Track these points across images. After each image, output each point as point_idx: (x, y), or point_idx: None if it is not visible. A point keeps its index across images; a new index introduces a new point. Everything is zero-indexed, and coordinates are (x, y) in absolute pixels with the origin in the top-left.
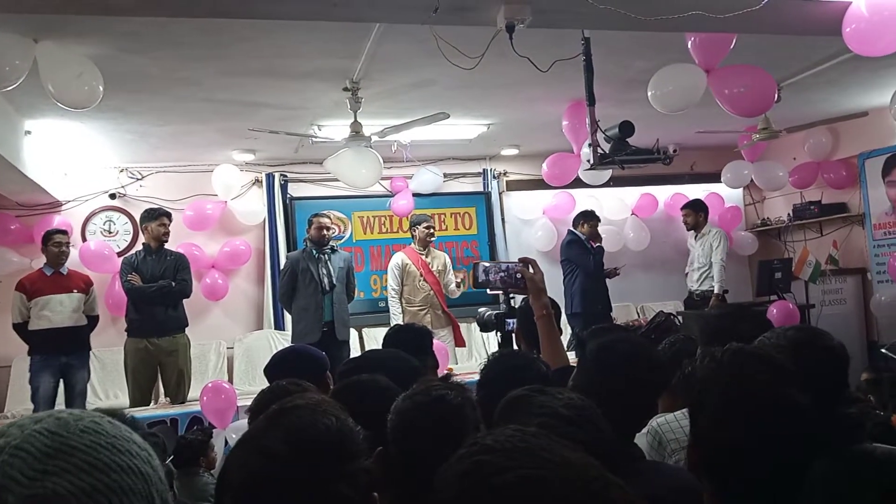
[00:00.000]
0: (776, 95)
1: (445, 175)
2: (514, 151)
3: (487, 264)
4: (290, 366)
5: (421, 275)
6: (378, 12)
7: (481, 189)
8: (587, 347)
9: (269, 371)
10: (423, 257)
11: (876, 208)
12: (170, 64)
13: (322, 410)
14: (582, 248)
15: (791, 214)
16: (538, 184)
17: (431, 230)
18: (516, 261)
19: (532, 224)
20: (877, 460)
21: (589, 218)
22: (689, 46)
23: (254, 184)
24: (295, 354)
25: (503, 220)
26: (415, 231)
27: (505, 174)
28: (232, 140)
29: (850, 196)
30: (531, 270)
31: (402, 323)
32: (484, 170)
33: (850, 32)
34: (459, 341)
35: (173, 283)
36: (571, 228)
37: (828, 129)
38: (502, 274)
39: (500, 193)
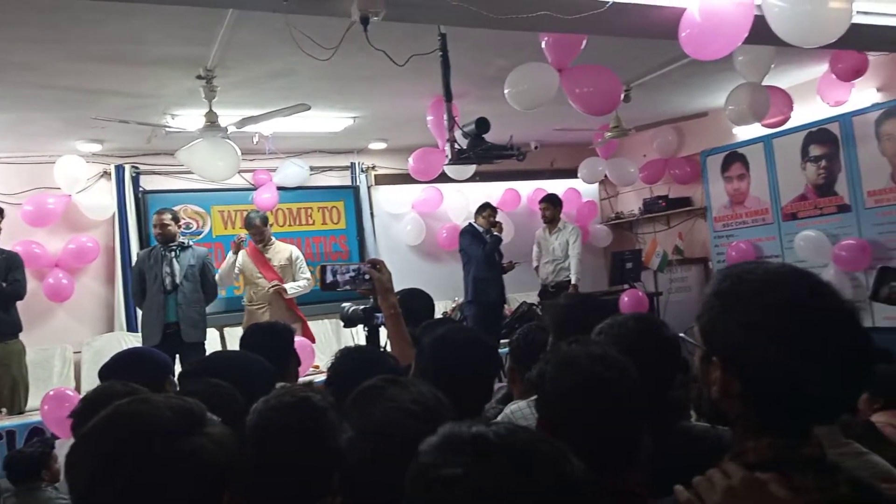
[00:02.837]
0: (624, 96)
1: (312, 168)
2: (382, 145)
3: (334, 265)
4: (126, 369)
5: (258, 271)
6: None
7: (349, 183)
8: (421, 342)
9: (103, 375)
10: (263, 253)
11: (716, 202)
12: (3, 46)
13: (164, 398)
14: (474, 237)
15: (641, 208)
16: (407, 178)
17: (254, 232)
18: (363, 261)
19: (401, 218)
20: (692, 436)
21: (483, 209)
22: (543, 46)
23: (102, 176)
24: (132, 356)
25: (372, 214)
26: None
27: (373, 168)
28: (76, 129)
29: (693, 191)
30: (379, 271)
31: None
32: (352, 163)
33: (686, 37)
34: (309, 338)
35: (4, 284)
36: (472, 220)
37: (673, 128)
38: (350, 274)
39: (368, 187)
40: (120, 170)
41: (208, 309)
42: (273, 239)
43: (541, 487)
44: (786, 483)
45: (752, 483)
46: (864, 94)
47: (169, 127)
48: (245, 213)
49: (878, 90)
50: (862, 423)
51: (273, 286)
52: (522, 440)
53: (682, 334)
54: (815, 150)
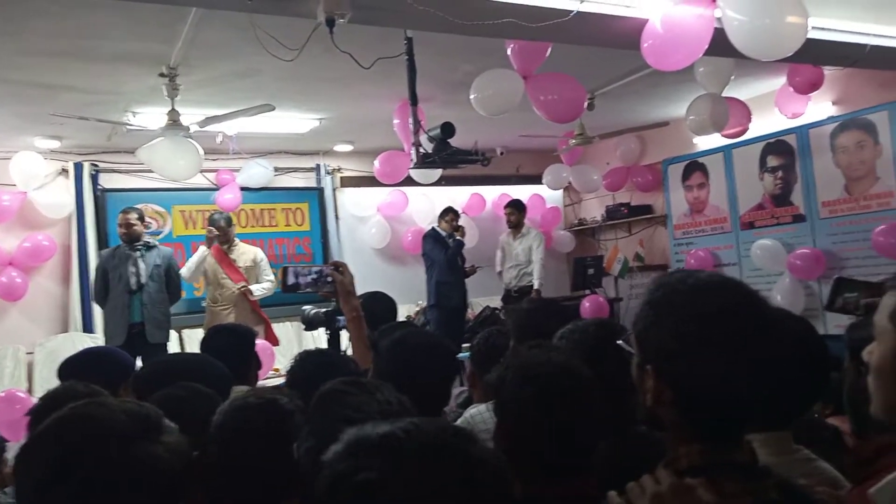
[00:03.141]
0: (588, 104)
1: (277, 169)
2: (348, 148)
3: (296, 267)
4: (88, 367)
5: (223, 272)
6: None
7: (314, 185)
8: (378, 345)
9: (63, 371)
10: (227, 254)
11: (676, 210)
12: None
13: (128, 400)
14: (436, 242)
15: (604, 215)
16: (372, 181)
17: (216, 232)
18: (326, 264)
19: (366, 221)
20: (646, 441)
21: (445, 213)
22: (509, 53)
23: (60, 173)
24: (93, 355)
25: (337, 216)
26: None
27: (339, 170)
28: (33, 125)
29: (654, 199)
30: (341, 273)
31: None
32: (317, 165)
33: (648, 47)
34: (272, 340)
35: None
36: (435, 224)
37: (636, 136)
38: (312, 276)
39: (333, 189)
40: (79, 167)
41: (172, 310)
42: (237, 240)
43: (455, 478)
44: (714, 488)
45: (679, 488)
46: (820, 107)
47: (130, 125)
48: (208, 214)
49: (834, 103)
50: (830, 428)
51: (241, 287)
52: (430, 433)
53: (619, 342)
54: (772, 161)
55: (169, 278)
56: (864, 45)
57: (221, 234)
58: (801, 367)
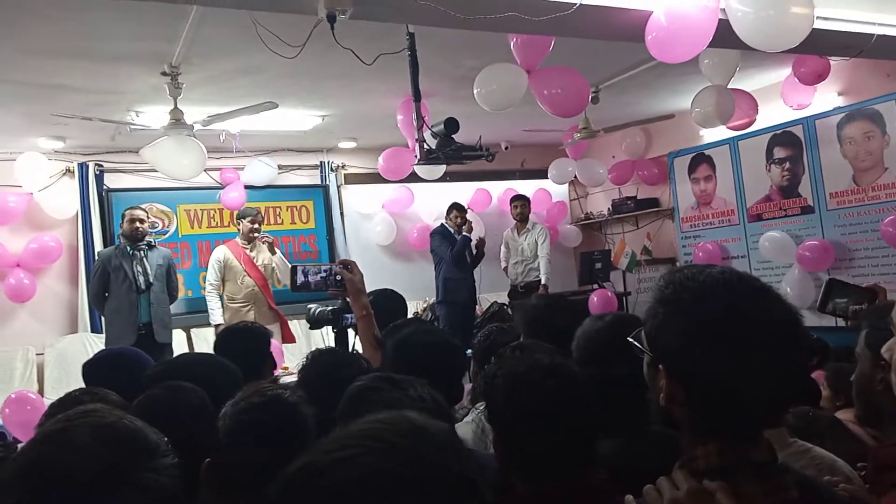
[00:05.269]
0: (592, 97)
1: (280, 167)
2: (352, 144)
3: (305, 266)
4: (114, 369)
5: (244, 270)
6: None
7: (319, 182)
8: (385, 345)
9: (87, 375)
10: (247, 252)
11: (683, 203)
12: None
13: (121, 414)
14: (444, 237)
15: (610, 209)
16: (377, 177)
17: (257, 226)
18: (334, 262)
19: (371, 218)
20: (656, 437)
21: (451, 209)
22: (512, 47)
23: (65, 174)
24: (123, 357)
25: (342, 213)
26: (239, 224)
27: (343, 167)
28: (38, 126)
29: (661, 192)
30: (350, 272)
31: (221, 321)
32: (321, 162)
33: (652, 39)
34: (288, 337)
35: None
36: (443, 220)
37: (641, 129)
38: (321, 275)
39: (338, 187)
40: (83, 167)
41: (175, 309)
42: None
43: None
44: (733, 492)
45: (698, 494)
46: (826, 98)
47: (133, 124)
48: (238, 210)
49: (840, 94)
50: (827, 419)
51: (268, 242)
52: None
53: (629, 338)
54: (779, 153)
55: (169, 278)
56: (871, 35)
57: (257, 224)
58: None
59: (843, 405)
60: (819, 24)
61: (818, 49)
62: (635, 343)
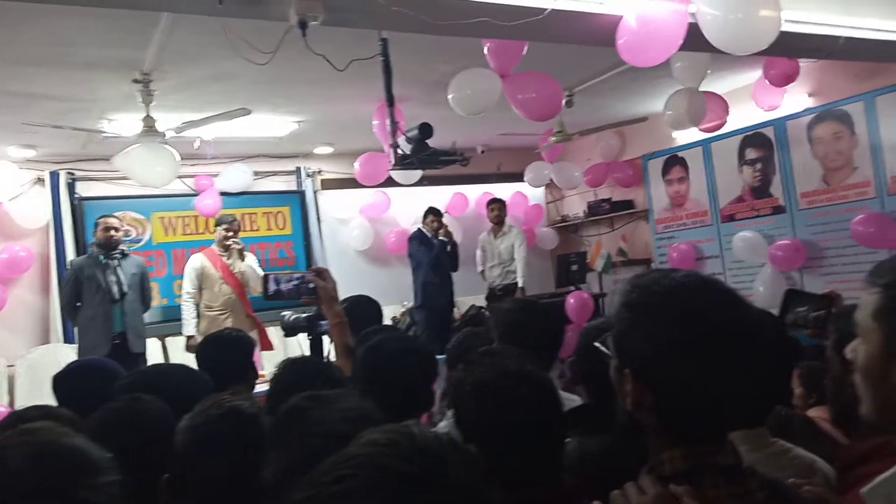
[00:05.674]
0: (567, 101)
1: (256, 173)
2: (328, 150)
3: (277, 275)
4: (81, 381)
5: (221, 278)
6: (160, 1)
7: (295, 188)
8: (355, 351)
9: (56, 388)
10: (224, 259)
11: (657, 204)
12: None
13: (62, 431)
14: (422, 242)
15: (586, 211)
16: (354, 182)
17: (232, 233)
18: (308, 269)
19: (348, 223)
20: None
21: (428, 214)
22: (486, 52)
23: (36, 183)
24: (93, 369)
25: (319, 219)
26: (216, 231)
27: (319, 173)
28: (8, 135)
29: (636, 194)
30: (323, 279)
31: (193, 332)
32: (297, 168)
33: (623, 44)
34: (266, 345)
35: None
36: (420, 225)
37: (616, 132)
38: (294, 283)
39: (314, 192)
40: (55, 176)
41: (150, 318)
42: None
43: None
44: (699, 496)
45: (664, 499)
46: (796, 99)
47: (104, 132)
48: (216, 216)
49: (810, 95)
50: (799, 418)
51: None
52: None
53: (595, 343)
54: (750, 154)
55: (143, 287)
56: (838, 38)
57: (225, 238)
58: (776, 364)
59: (816, 403)
60: (787, 27)
61: (787, 51)
62: (601, 347)
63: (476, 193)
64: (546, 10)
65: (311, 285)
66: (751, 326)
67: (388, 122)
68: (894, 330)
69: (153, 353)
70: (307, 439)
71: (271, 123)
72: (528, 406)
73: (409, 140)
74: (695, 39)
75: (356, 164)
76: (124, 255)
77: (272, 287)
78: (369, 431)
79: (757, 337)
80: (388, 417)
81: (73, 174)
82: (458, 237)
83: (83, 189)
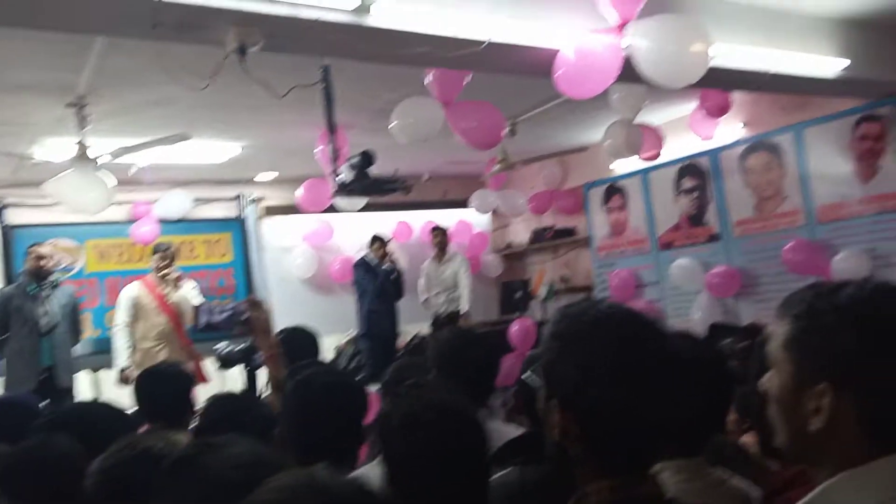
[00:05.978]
0: (510, 130)
1: (196, 200)
2: (271, 176)
3: (210, 306)
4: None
5: (157, 308)
6: (91, 23)
7: (236, 214)
8: (286, 386)
9: None
10: (159, 289)
11: (598, 232)
12: None
13: None
14: (367, 270)
15: (531, 238)
16: (297, 210)
17: (166, 262)
18: (242, 301)
19: (292, 251)
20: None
21: (374, 241)
22: (427, 82)
23: None
24: (8, 406)
25: (261, 247)
26: (151, 260)
27: (261, 199)
28: None
29: (577, 221)
30: (257, 310)
31: (126, 364)
32: (239, 194)
33: (560, 76)
34: (200, 378)
35: None
36: (364, 253)
37: (558, 161)
38: (227, 314)
39: (256, 219)
40: None
41: (82, 350)
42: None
43: None
44: None
45: None
46: (731, 130)
47: (34, 158)
48: (154, 244)
49: (745, 125)
50: (731, 445)
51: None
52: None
53: (523, 377)
54: (687, 183)
55: (73, 319)
56: (766, 72)
57: (168, 260)
58: (707, 392)
59: (749, 428)
60: (718, 62)
61: (720, 84)
62: (531, 377)
63: (421, 221)
64: (484, 42)
65: (245, 316)
66: (674, 356)
67: (329, 149)
68: (804, 360)
69: (84, 386)
70: (195, 488)
71: (212, 149)
72: (454, 439)
73: (351, 167)
74: (630, 72)
75: (299, 191)
76: (55, 285)
77: (203, 319)
78: (275, 478)
79: (681, 366)
80: (318, 455)
81: (2, 201)
82: (403, 264)
83: (13, 216)
